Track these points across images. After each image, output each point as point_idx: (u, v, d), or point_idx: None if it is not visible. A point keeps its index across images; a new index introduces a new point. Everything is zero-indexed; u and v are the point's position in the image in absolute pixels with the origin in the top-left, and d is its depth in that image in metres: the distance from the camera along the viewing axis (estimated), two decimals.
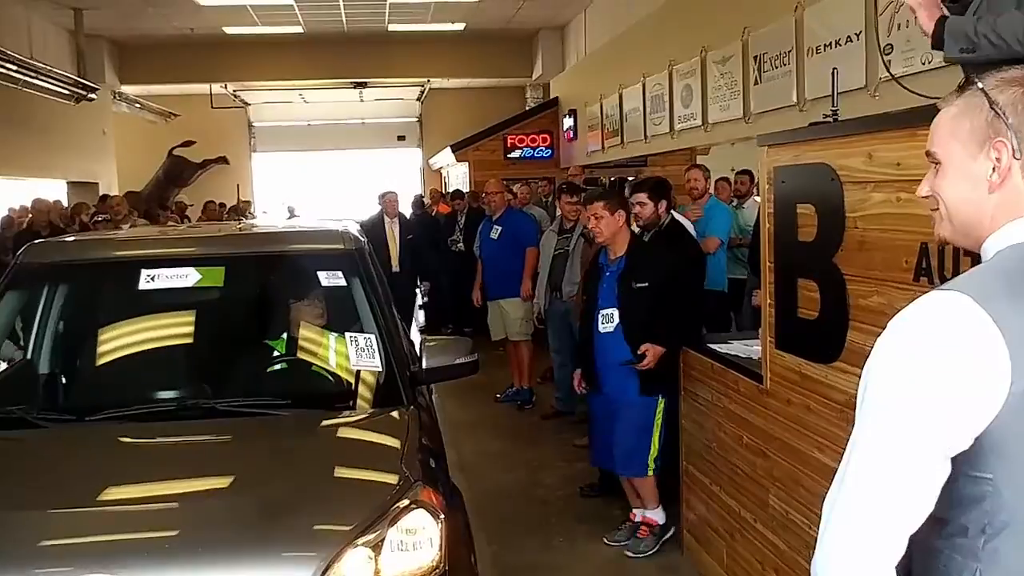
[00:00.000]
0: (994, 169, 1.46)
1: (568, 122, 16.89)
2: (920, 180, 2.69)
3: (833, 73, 3.86)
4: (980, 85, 1.47)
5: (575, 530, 5.55)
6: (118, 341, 4.04)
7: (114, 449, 3.38)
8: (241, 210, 17.51)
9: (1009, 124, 1.44)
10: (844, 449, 3.13)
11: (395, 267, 10.87)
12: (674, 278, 5.18)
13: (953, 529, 1.41)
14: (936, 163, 1.54)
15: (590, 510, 5.86)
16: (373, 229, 9.41)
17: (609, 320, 5.10)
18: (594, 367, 5.23)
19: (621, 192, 7.10)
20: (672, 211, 6.97)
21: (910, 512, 1.37)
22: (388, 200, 11.34)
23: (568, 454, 6.96)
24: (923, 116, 2.83)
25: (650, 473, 5.11)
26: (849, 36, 7.28)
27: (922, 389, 1.35)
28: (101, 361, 4.01)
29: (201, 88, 19.99)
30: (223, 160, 20.90)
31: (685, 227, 6.48)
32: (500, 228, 8.89)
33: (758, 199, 8.97)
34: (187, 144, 19.61)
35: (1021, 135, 1.43)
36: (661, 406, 5.06)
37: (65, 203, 13.25)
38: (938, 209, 1.56)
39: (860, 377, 3.06)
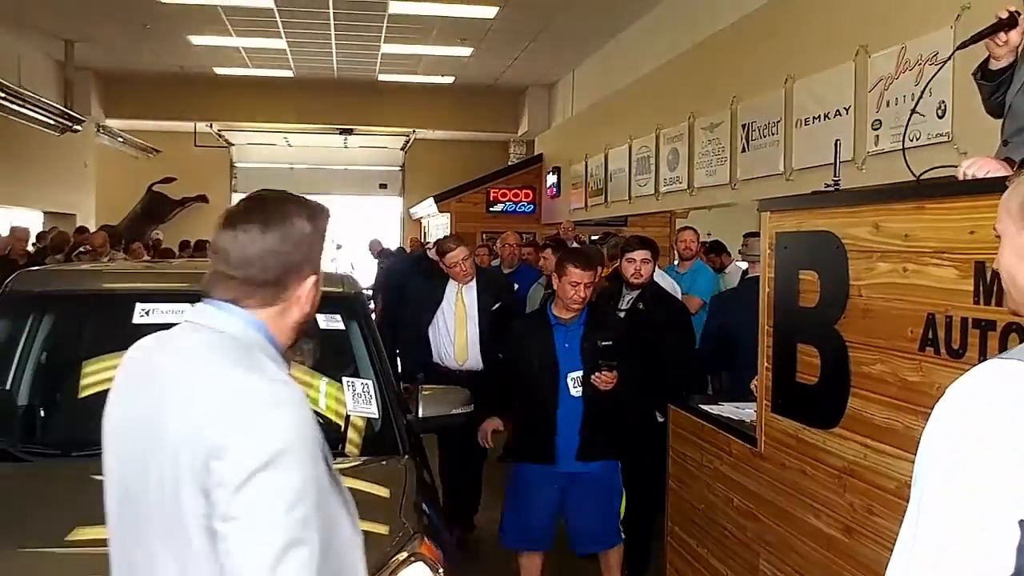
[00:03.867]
0: None
1: (552, 179, 17.05)
2: (926, 252, 2.77)
3: (836, 144, 3.93)
4: None
5: None
6: (108, 375, 3.95)
7: (96, 487, 3.31)
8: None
9: None
10: (841, 515, 3.15)
11: (464, 363, 6.38)
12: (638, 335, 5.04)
13: None
14: (999, 238, 1.58)
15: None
16: (415, 309, 6.79)
17: (579, 383, 4.83)
18: (554, 437, 4.83)
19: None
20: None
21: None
22: (464, 257, 6.41)
23: None
24: (932, 190, 2.91)
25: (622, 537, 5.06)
26: (838, 110, 7.44)
27: (984, 454, 1.35)
28: (89, 395, 3.85)
29: (185, 126, 19.94)
30: (203, 199, 20.89)
31: (666, 288, 6.44)
32: (517, 284, 8.44)
33: (740, 264, 9.18)
34: (167, 181, 19.74)
35: None
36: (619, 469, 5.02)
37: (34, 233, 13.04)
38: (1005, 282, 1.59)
39: (859, 443, 3.08)
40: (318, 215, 1.91)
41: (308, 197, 1.97)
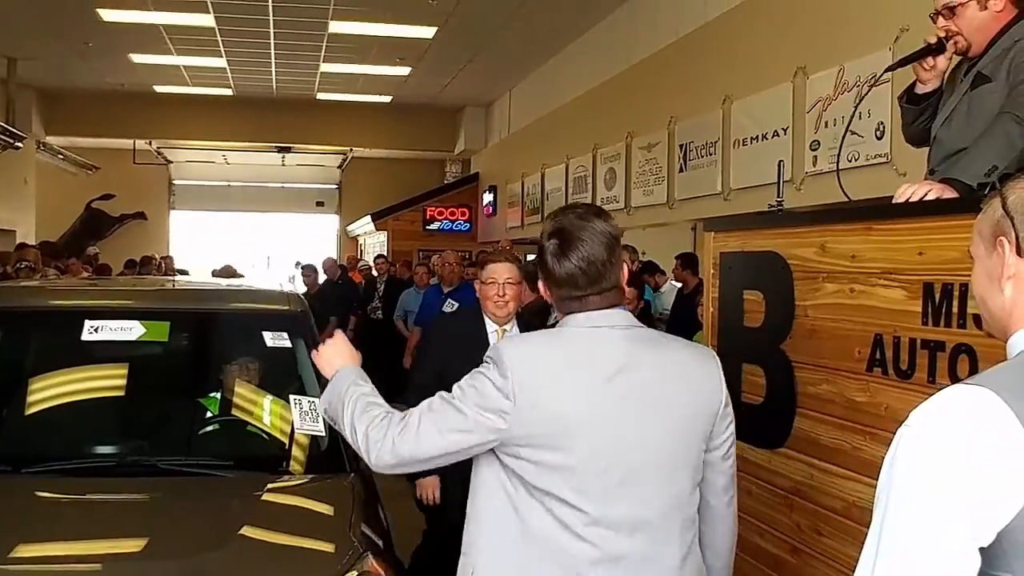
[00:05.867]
0: (1002, 266, 1.50)
1: (488, 197, 17.10)
2: (874, 273, 2.81)
3: (779, 165, 3.98)
4: (999, 186, 1.53)
5: None
6: (59, 391, 3.91)
7: (46, 504, 3.26)
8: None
9: (1014, 223, 1.47)
10: (788, 536, 3.16)
11: None
12: None
13: None
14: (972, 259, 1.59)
15: None
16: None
17: None
18: None
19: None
20: None
21: None
22: (509, 278, 4.38)
23: None
24: (880, 212, 2.95)
25: None
26: (776, 131, 7.54)
27: (946, 481, 1.34)
28: (41, 411, 3.86)
29: (124, 143, 19.82)
30: (141, 216, 21.04)
31: None
32: (457, 303, 8.35)
33: (675, 283, 9.24)
34: (106, 198, 19.95)
35: None
36: None
37: None
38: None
39: (805, 463, 3.11)
40: None
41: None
